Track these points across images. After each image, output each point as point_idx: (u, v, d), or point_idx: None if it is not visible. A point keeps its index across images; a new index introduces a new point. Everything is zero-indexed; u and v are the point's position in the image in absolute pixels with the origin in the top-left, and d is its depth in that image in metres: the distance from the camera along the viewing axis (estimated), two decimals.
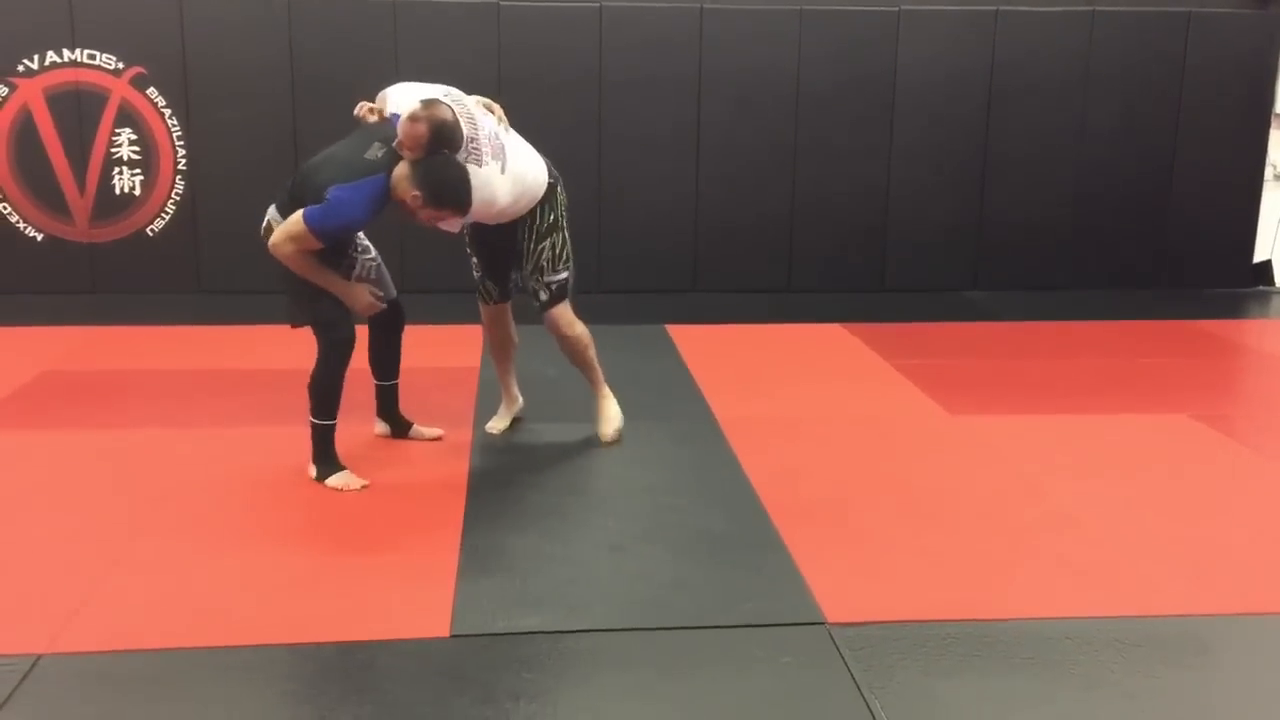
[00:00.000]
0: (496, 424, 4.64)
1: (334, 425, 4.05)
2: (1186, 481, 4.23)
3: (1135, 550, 3.60)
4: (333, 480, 4.02)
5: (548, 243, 4.26)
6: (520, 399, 4.71)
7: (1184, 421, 4.90)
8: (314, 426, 4.04)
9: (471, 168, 3.91)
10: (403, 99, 4.02)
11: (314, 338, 4.03)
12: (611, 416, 4.53)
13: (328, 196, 3.74)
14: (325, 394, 4.01)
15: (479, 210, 4.00)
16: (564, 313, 4.37)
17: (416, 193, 3.76)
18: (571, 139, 7.13)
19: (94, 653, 2.90)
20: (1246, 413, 5.23)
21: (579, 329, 4.43)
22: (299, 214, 3.76)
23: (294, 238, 3.76)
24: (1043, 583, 3.36)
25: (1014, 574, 3.43)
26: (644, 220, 7.49)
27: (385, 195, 3.82)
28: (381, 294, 4.09)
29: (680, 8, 7.28)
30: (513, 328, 4.60)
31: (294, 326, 4.07)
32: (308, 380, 4.02)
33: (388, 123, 3.95)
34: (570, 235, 4.35)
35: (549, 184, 4.27)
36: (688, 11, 7.27)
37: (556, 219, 4.28)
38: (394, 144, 3.81)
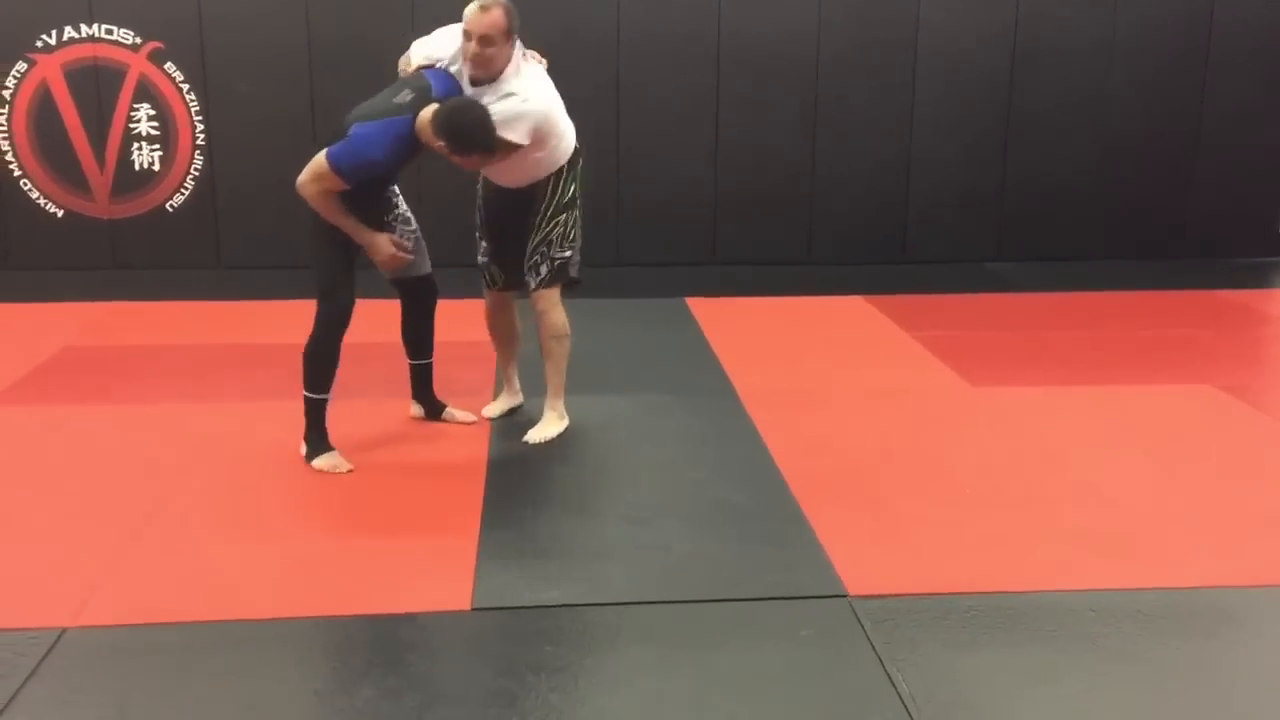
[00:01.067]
0: (492, 409, 4.51)
1: (326, 400, 3.97)
2: (1211, 452, 4.19)
3: (1159, 522, 3.57)
4: (319, 462, 3.96)
5: (563, 218, 4.15)
6: (521, 395, 4.58)
7: (1209, 392, 4.85)
8: (306, 400, 3.97)
9: (531, 66, 3.98)
10: (424, 48, 4.02)
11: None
12: (547, 429, 4.28)
13: (350, 133, 3.73)
14: (317, 365, 3.94)
15: (541, 125, 3.92)
16: (553, 295, 4.21)
17: (441, 142, 3.72)
18: (589, 107, 7.05)
19: (118, 626, 2.92)
20: (1272, 383, 5.17)
21: (562, 319, 4.24)
22: (322, 152, 3.73)
23: (318, 177, 3.73)
24: (1066, 555, 3.34)
25: (1037, 546, 3.41)
26: (662, 191, 7.45)
27: (410, 138, 3.76)
28: (409, 245, 4.02)
29: None
30: (516, 318, 4.47)
31: None
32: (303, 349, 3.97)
33: (420, 74, 3.93)
34: (581, 216, 4.25)
35: (575, 148, 4.18)
36: None
37: (575, 195, 4.19)
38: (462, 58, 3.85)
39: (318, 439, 4.00)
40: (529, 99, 3.88)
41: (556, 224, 4.15)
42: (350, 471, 3.94)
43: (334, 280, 3.90)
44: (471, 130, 3.73)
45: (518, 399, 4.59)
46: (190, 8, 6.98)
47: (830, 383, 5.02)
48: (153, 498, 3.70)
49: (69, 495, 3.73)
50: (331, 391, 3.98)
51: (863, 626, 2.93)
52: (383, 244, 3.89)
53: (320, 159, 3.72)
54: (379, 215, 4.00)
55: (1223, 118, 7.61)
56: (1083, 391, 4.87)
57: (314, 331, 3.94)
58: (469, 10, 3.82)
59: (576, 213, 4.21)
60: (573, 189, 4.18)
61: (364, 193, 3.86)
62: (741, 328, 5.94)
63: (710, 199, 7.50)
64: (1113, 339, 5.76)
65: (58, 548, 3.35)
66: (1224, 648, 2.89)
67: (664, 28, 7.21)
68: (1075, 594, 3.11)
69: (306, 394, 3.98)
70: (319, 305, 3.94)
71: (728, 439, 4.31)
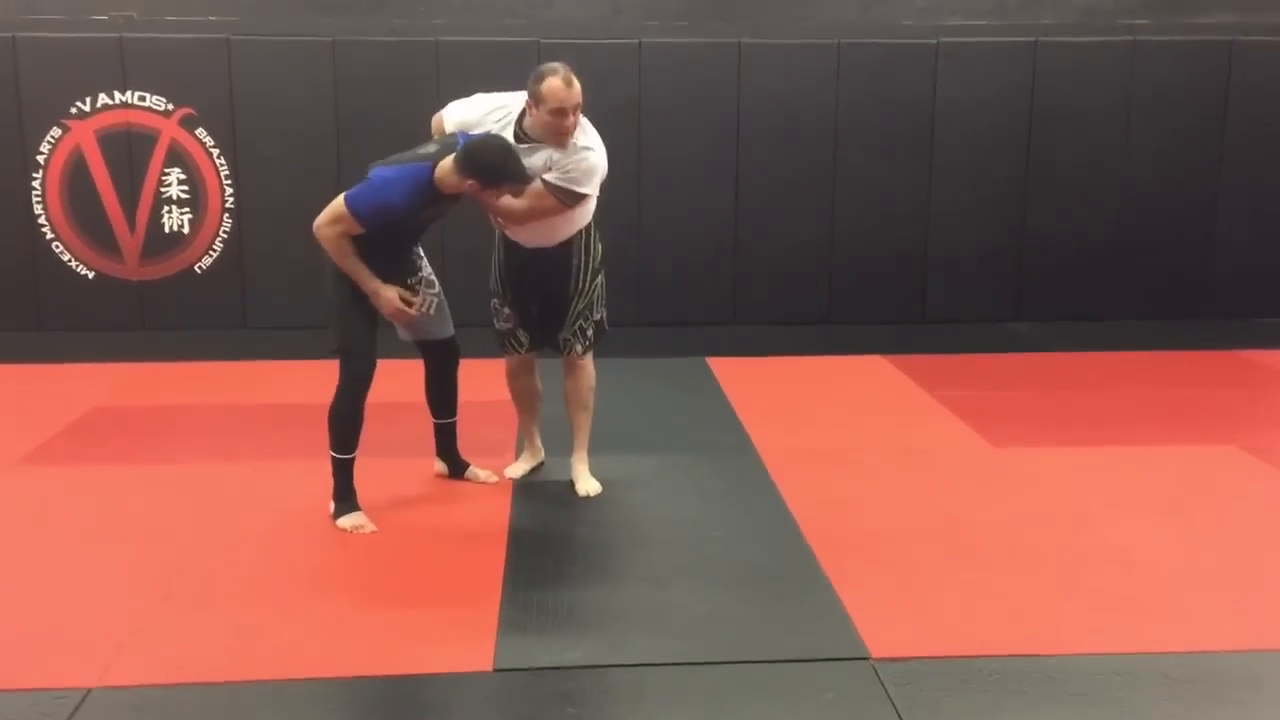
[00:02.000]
0: (515, 469, 4.52)
1: (351, 460, 4.01)
2: (1236, 514, 4.16)
3: (1185, 584, 3.55)
4: (343, 521, 3.99)
5: (600, 278, 4.26)
6: (543, 452, 4.61)
7: (1233, 453, 4.83)
8: (332, 460, 4.02)
9: (586, 125, 4.00)
10: (459, 114, 4.07)
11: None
12: (593, 479, 4.38)
13: (369, 176, 3.79)
14: (341, 427, 3.97)
15: (600, 168, 3.99)
16: (591, 357, 4.35)
17: (469, 181, 3.73)
18: (611, 171, 7.10)
19: (144, 686, 2.94)
20: None
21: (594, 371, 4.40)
22: (341, 195, 3.78)
23: (335, 219, 3.77)
24: (1090, 617, 3.32)
25: (1061, 608, 3.39)
26: (683, 252, 7.51)
27: (429, 187, 3.77)
28: (420, 304, 4.03)
29: (718, 42, 7.32)
30: (538, 378, 4.51)
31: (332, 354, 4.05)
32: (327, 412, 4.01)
33: (452, 135, 3.98)
34: None
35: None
36: (726, 46, 7.32)
37: (604, 254, 4.28)
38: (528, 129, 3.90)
39: (345, 499, 4.03)
40: (597, 149, 3.98)
41: (596, 285, 4.24)
42: (374, 532, 3.96)
43: (355, 342, 3.94)
44: (497, 158, 3.74)
45: (540, 457, 4.61)
46: (221, 75, 7.14)
47: (851, 442, 5.02)
48: (180, 558, 3.73)
49: (97, 555, 3.77)
50: (357, 451, 4.02)
51: (886, 690, 2.91)
52: (389, 295, 3.89)
53: (339, 201, 3.78)
54: (403, 276, 4.04)
55: (1241, 177, 7.63)
56: (1105, 452, 4.85)
57: (337, 393, 3.99)
58: (554, 88, 3.84)
59: (604, 269, 4.30)
60: (600, 249, 4.26)
61: (386, 248, 3.90)
62: (762, 387, 5.96)
63: (730, 259, 7.56)
64: (1135, 399, 5.75)
65: (85, 607, 3.38)
66: (1253, 712, 2.86)
67: (684, 89, 7.32)
68: (1100, 657, 3.08)
69: (333, 454, 4.01)
70: (341, 367, 3.99)
71: (749, 499, 4.31)
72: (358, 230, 3.78)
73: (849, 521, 4.07)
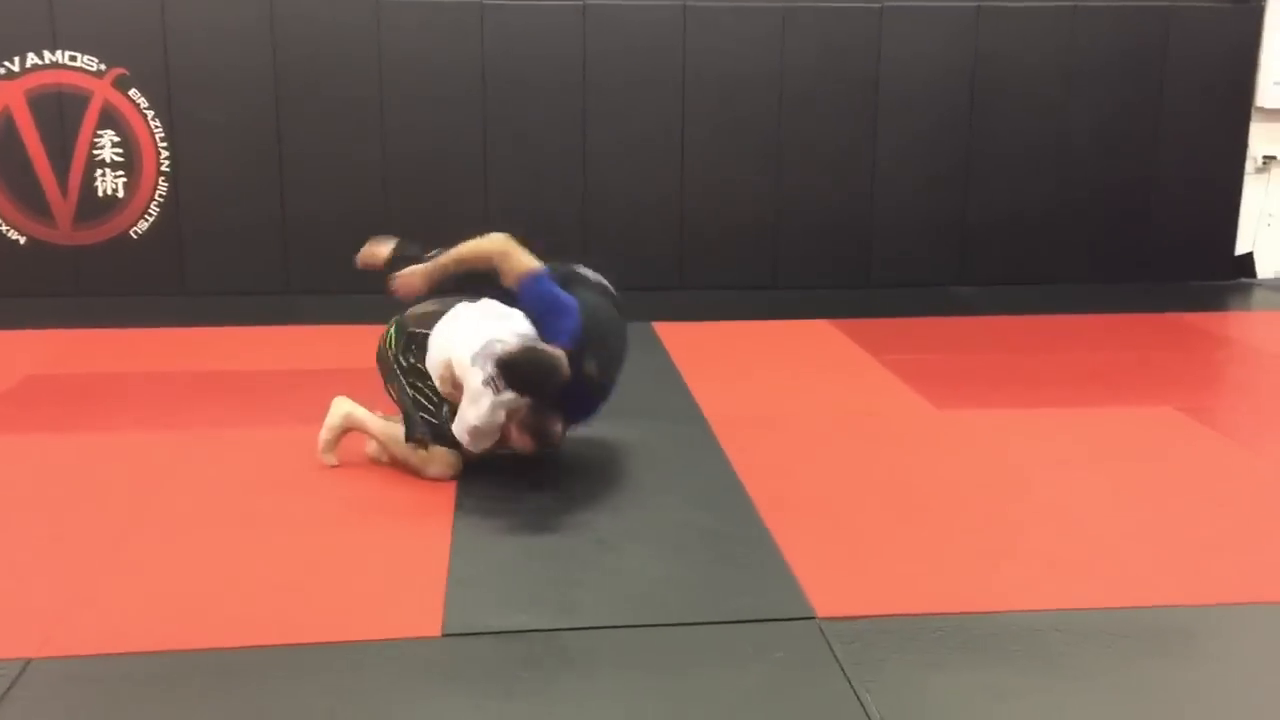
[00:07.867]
0: None
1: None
2: (1171, 473, 4.26)
3: (1121, 542, 3.63)
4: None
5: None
6: None
7: (1168, 413, 4.93)
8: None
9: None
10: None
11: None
12: None
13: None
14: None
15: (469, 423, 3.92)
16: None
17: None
18: (556, 138, 7.13)
19: (85, 656, 2.89)
20: (1229, 405, 5.26)
21: None
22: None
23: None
24: (1030, 575, 3.39)
25: (1002, 567, 3.45)
26: (629, 218, 7.49)
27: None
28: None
29: (663, 6, 7.28)
30: None
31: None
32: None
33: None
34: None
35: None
36: (671, 10, 7.28)
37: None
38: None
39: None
40: (473, 416, 3.90)
41: None
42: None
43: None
44: (531, 378, 3.82)
45: None
46: (155, 34, 6.96)
47: (797, 406, 5.06)
48: (119, 526, 3.67)
49: (33, 525, 3.69)
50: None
51: (832, 648, 2.95)
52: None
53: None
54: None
55: (1178, 142, 7.76)
56: (1046, 414, 4.93)
57: None
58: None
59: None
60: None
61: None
62: (708, 352, 5.98)
63: (677, 224, 7.56)
64: (1074, 361, 5.84)
65: (24, 577, 3.32)
66: (1185, 666, 2.94)
67: (630, 57, 7.28)
68: (1040, 614, 3.14)
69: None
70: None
71: (696, 462, 4.33)
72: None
73: (795, 484, 4.10)
